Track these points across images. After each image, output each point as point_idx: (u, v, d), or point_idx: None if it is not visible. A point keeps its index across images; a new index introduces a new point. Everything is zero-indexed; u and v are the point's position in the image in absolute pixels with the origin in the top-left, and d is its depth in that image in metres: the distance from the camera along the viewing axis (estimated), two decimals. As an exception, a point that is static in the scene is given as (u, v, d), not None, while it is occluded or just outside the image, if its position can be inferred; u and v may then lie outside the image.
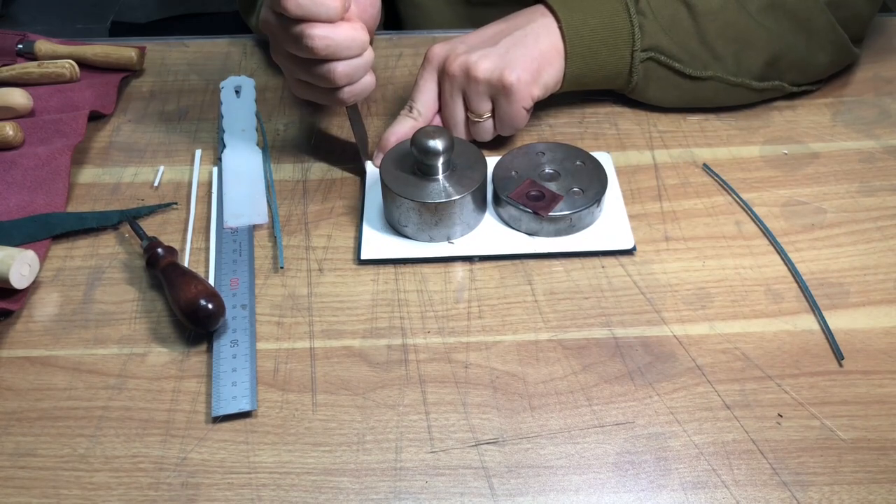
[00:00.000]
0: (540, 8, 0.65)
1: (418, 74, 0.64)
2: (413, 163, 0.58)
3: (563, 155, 0.61)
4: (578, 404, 0.49)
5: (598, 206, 0.58)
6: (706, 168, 0.64)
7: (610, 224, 0.59)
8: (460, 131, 0.65)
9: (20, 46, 0.77)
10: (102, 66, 0.76)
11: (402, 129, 0.63)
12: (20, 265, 0.55)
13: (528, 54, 0.62)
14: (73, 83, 0.74)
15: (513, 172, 0.60)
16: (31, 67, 0.74)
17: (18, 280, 0.55)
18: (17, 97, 0.70)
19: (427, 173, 0.57)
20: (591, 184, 0.59)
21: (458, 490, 0.45)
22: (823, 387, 0.49)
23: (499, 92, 0.61)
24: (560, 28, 0.63)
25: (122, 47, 0.76)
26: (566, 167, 0.60)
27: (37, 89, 0.73)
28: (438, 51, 0.63)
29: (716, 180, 0.64)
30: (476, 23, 0.67)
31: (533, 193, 0.58)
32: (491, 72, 0.61)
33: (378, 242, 0.59)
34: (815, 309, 0.54)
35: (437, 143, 0.55)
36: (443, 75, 0.63)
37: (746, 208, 0.61)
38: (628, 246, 0.58)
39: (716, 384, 0.50)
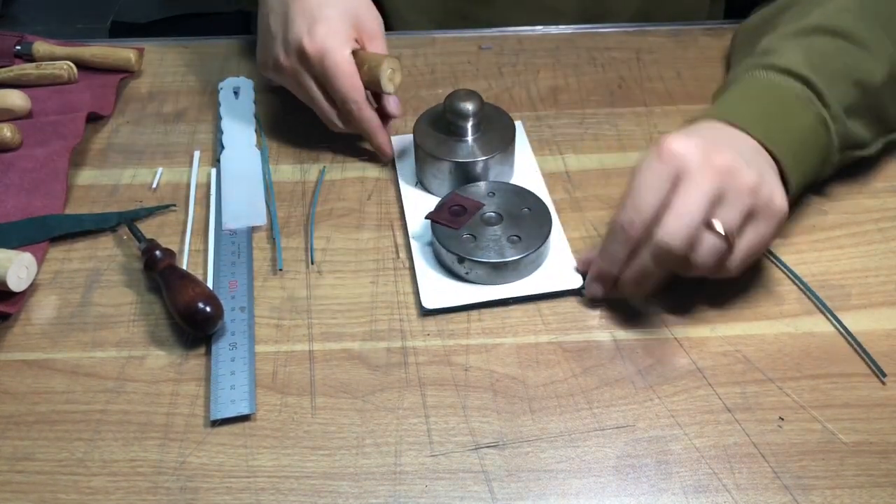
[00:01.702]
0: (748, 139, 0.53)
1: (644, 166, 0.50)
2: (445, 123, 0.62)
3: (512, 200, 0.58)
4: (579, 407, 0.49)
5: (536, 252, 0.55)
6: (707, 169, 0.64)
7: (556, 265, 0.57)
8: (681, 242, 0.48)
9: (18, 48, 0.77)
10: (100, 68, 0.76)
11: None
12: (17, 267, 0.55)
13: (778, 184, 0.51)
14: (71, 84, 0.74)
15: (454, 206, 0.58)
16: (28, 69, 0.74)
17: (16, 283, 0.55)
18: (15, 99, 0.69)
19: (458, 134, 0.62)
20: (531, 233, 0.56)
21: (458, 494, 0.45)
22: (825, 389, 0.49)
23: (760, 212, 0.49)
24: (776, 159, 0.53)
25: (120, 48, 0.76)
26: (511, 212, 0.57)
27: (35, 91, 0.72)
28: (681, 147, 0.49)
29: (716, 181, 0.63)
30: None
31: (454, 208, 0.57)
32: (759, 185, 0.49)
33: (437, 289, 0.55)
34: (826, 311, 0.53)
35: (468, 105, 0.61)
36: (690, 172, 0.48)
37: (747, 210, 0.61)
38: (576, 285, 0.55)
39: (717, 387, 0.50)
